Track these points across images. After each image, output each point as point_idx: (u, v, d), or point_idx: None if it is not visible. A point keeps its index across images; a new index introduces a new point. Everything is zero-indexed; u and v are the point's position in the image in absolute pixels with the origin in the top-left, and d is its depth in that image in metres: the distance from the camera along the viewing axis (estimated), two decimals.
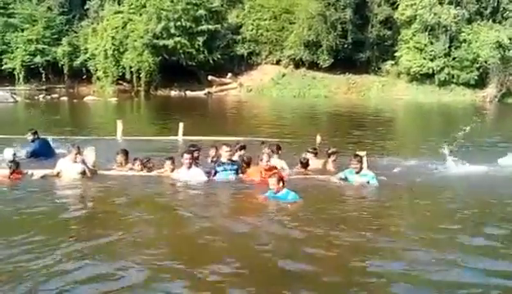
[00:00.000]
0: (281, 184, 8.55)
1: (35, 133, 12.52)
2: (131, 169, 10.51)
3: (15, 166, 9.97)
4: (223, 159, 10.29)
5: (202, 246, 6.36)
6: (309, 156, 11.36)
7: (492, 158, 12.19)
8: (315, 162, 11.28)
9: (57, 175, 9.99)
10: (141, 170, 10.46)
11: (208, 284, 5.27)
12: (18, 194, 8.79)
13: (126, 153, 10.94)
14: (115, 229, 6.89)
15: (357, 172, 9.92)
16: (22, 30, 45.30)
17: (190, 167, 9.99)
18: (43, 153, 12.17)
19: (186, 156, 10.05)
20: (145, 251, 6.04)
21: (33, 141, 12.36)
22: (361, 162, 10.05)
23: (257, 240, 6.61)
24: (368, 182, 9.87)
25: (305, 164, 10.88)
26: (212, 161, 10.80)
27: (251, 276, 5.48)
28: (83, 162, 10.11)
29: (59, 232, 6.70)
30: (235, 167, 10.25)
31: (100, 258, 5.83)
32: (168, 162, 10.36)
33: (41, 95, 39.45)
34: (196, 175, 9.98)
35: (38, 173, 10.03)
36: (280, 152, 11.23)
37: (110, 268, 5.57)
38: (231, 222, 7.45)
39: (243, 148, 11.48)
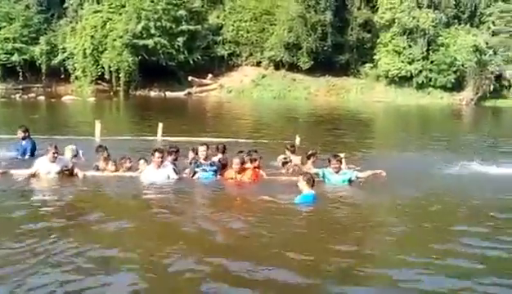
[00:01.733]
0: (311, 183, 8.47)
1: (26, 131, 11.87)
2: (105, 169, 10.40)
3: None
4: (201, 160, 10.25)
5: (178, 244, 6.32)
6: (287, 153, 11.53)
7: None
8: (293, 159, 11.37)
9: (34, 175, 9.78)
10: (116, 170, 10.35)
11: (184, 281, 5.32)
12: None
13: (105, 149, 10.76)
14: (93, 230, 6.85)
15: (337, 172, 10.02)
16: None
17: (159, 167, 9.93)
18: (34, 153, 11.74)
19: (157, 155, 9.95)
20: (121, 251, 6.03)
21: (23, 139, 11.79)
22: (340, 162, 10.17)
23: (229, 239, 6.62)
24: (350, 179, 9.96)
25: (284, 164, 10.96)
26: (190, 163, 10.75)
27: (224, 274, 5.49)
28: (66, 161, 10.03)
29: (36, 233, 6.59)
30: (214, 168, 10.24)
31: (79, 259, 5.77)
32: (142, 162, 10.28)
33: (17, 95, 39.00)
34: (165, 174, 9.89)
35: (15, 173, 9.86)
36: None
37: (88, 269, 5.53)
38: (203, 222, 7.40)
39: (224, 149, 11.49)
